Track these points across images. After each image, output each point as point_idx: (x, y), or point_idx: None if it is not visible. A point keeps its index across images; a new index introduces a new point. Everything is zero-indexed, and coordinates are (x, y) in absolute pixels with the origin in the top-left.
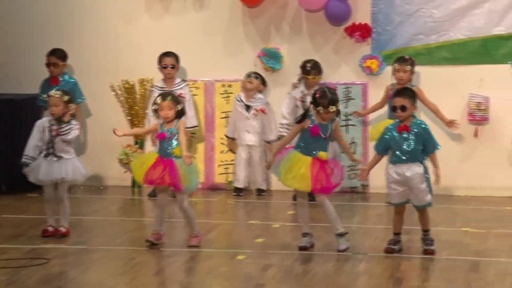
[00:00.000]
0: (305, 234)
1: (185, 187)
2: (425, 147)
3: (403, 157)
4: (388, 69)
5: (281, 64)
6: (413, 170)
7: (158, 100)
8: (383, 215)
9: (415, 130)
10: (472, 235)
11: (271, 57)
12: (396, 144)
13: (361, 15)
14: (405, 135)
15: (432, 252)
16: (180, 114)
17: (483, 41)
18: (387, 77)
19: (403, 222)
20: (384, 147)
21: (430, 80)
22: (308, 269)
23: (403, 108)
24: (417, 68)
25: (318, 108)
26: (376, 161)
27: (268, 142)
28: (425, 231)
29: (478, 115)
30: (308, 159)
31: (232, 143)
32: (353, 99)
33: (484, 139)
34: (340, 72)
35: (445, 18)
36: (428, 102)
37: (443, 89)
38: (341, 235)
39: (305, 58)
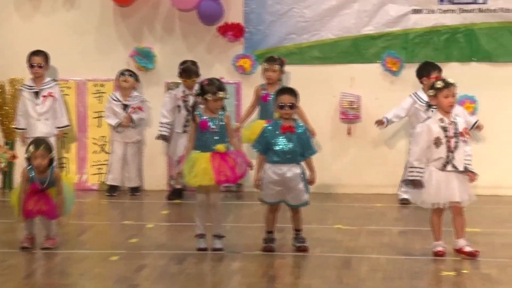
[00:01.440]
0: (201, 235)
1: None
2: (303, 150)
3: (285, 158)
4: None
5: (154, 64)
6: (292, 170)
7: (31, 148)
8: (257, 214)
9: (298, 131)
10: (344, 232)
11: (144, 57)
12: (278, 144)
13: (234, 14)
14: (288, 136)
15: (305, 249)
16: (52, 161)
17: (354, 41)
18: (260, 77)
19: (277, 220)
20: (265, 146)
21: (302, 79)
22: (183, 268)
23: (292, 106)
24: (289, 68)
25: (207, 96)
26: (261, 162)
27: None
28: (297, 230)
29: (351, 114)
30: (207, 154)
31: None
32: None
33: (356, 137)
34: (214, 72)
35: (316, 18)
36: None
37: (315, 88)
38: (219, 236)
39: (178, 58)
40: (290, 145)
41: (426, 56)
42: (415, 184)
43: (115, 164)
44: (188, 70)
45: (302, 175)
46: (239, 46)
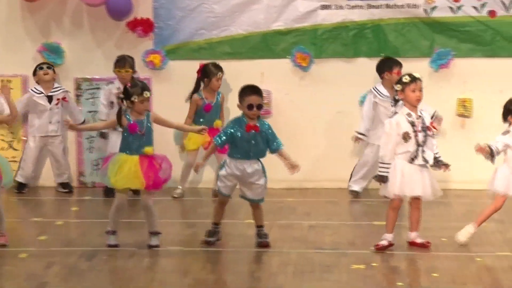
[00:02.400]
0: (112, 232)
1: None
2: (269, 146)
3: (247, 155)
4: (173, 63)
5: (63, 59)
6: (253, 167)
7: None
8: (165, 209)
9: (263, 130)
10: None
11: (52, 52)
12: (243, 142)
13: (143, 9)
14: (253, 134)
15: (267, 244)
16: None
17: (263, 36)
18: (171, 72)
19: (224, 214)
20: (226, 141)
21: None
22: (93, 265)
23: (259, 107)
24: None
25: (133, 98)
26: (212, 152)
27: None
28: (259, 227)
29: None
30: (136, 157)
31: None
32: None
33: None
34: None
35: (226, 13)
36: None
37: (226, 83)
38: (155, 233)
39: (87, 53)
40: (254, 143)
41: (335, 52)
42: (385, 179)
43: (28, 161)
44: (122, 59)
45: (262, 171)
46: (148, 42)
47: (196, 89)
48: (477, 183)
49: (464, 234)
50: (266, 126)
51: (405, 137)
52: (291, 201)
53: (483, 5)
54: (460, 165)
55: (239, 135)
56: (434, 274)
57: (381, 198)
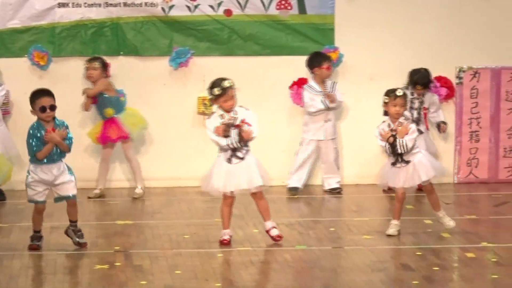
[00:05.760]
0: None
1: None
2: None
3: (53, 158)
4: None
5: None
6: (60, 168)
7: None
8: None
9: (60, 130)
10: None
11: None
12: (42, 145)
13: None
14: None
15: (85, 244)
16: None
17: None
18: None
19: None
20: (40, 145)
21: None
22: None
23: (52, 108)
24: None
25: None
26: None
27: None
28: (73, 222)
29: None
30: None
31: None
32: None
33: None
34: None
35: None
36: None
37: None
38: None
39: None
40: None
41: (74, 50)
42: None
43: None
44: None
45: (68, 170)
46: None
47: None
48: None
49: (392, 227)
50: (66, 124)
51: None
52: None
53: (219, 4)
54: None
55: (41, 140)
56: (177, 271)
57: (125, 198)
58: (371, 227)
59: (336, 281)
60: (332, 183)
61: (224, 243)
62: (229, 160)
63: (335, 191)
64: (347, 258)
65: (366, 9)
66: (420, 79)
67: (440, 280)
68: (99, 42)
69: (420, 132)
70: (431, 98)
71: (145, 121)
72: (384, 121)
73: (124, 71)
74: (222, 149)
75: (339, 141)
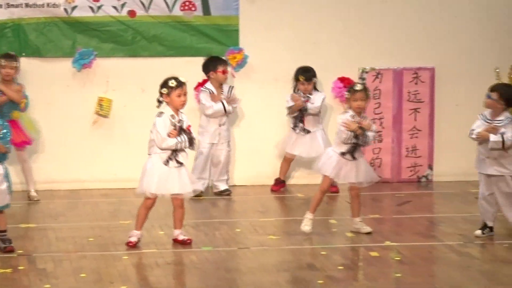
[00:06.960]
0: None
1: None
2: None
3: None
4: None
5: None
6: None
7: None
8: None
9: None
10: None
11: None
12: None
13: None
14: None
15: (12, 249)
16: None
17: None
18: None
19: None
20: None
21: None
22: None
23: None
24: None
25: None
26: None
27: None
28: (2, 232)
29: None
30: None
31: None
32: None
33: None
34: None
35: None
36: None
37: None
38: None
39: None
40: None
41: None
42: None
43: None
44: None
45: (5, 176)
46: None
47: None
48: (122, 182)
49: (306, 223)
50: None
51: None
52: None
53: (123, 5)
54: (102, 163)
55: None
56: (82, 274)
57: (25, 201)
58: (276, 228)
59: (242, 281)
60: (221, 186)
61: (130, 245)
62: (166, 162)
63: (225, 193)
64: (253, 259)
65: (270, 10)
66: (301, 70)
67: (344, 279)
68: (1, 44)
69: (308, 131)
70: (320, 97)
71: (37, 130)
72: (346, 112)
73: (27, 73)
74: (160, 149)
75: (239, 141)
